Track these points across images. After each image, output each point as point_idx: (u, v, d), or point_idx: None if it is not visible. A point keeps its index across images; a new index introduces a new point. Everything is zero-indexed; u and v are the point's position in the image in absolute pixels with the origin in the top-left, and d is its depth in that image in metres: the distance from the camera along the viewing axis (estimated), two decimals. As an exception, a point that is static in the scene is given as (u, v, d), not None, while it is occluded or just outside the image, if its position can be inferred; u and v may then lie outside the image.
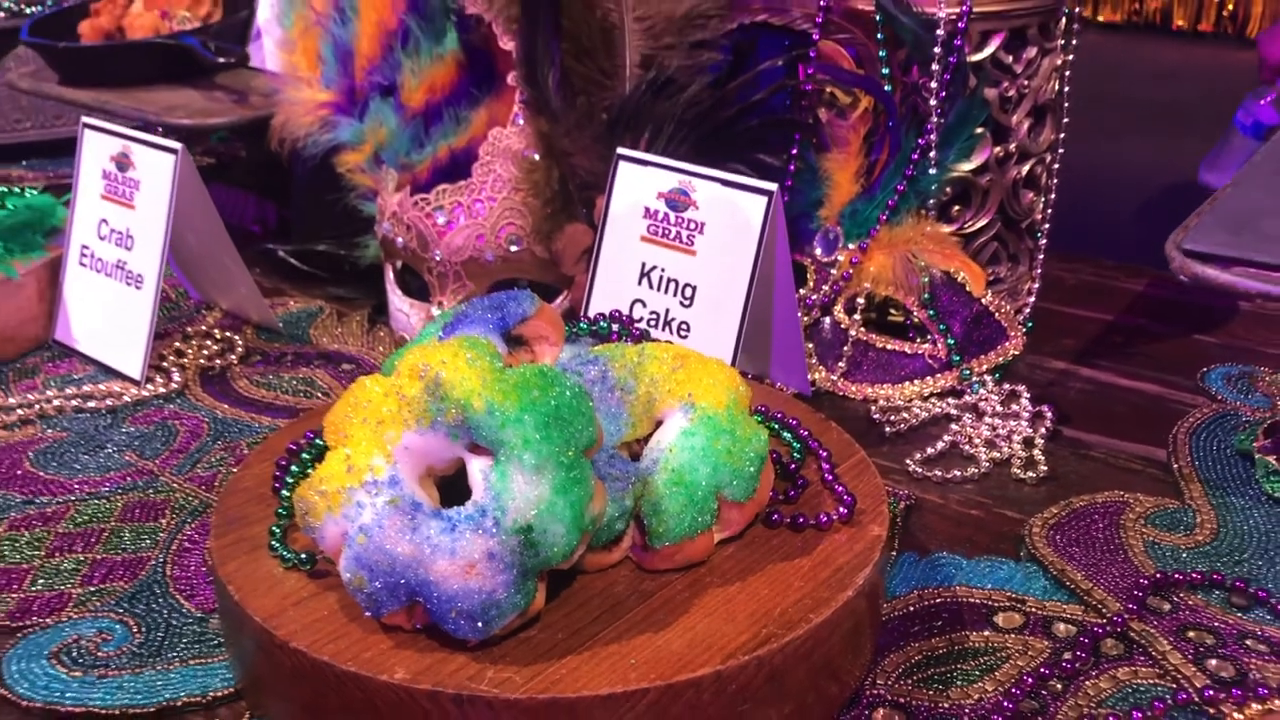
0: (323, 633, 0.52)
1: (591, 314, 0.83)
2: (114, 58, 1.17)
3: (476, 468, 0.52)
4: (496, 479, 0.51)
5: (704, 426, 0.58)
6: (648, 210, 0.84)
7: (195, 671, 0.60)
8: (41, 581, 0.68)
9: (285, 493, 0.62)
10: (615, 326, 0.71)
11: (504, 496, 0.50)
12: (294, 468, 0.64)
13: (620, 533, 0.56)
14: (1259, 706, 0.56)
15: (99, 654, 0.62)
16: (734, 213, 0.80)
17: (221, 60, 1.11)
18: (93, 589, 0.67)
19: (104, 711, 0.58)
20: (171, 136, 0.94)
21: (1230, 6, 6.53)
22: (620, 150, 0.85)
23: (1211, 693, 0.57)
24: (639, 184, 0.84)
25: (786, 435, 0.68)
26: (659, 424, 0.60)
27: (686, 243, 0.82)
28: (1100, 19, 6.79)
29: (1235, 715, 0.56)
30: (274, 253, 1.13)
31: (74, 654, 0.62)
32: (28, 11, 1.44)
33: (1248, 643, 0.61)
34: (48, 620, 0.65)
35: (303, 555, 0.57)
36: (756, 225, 0.78)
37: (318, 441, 0.66)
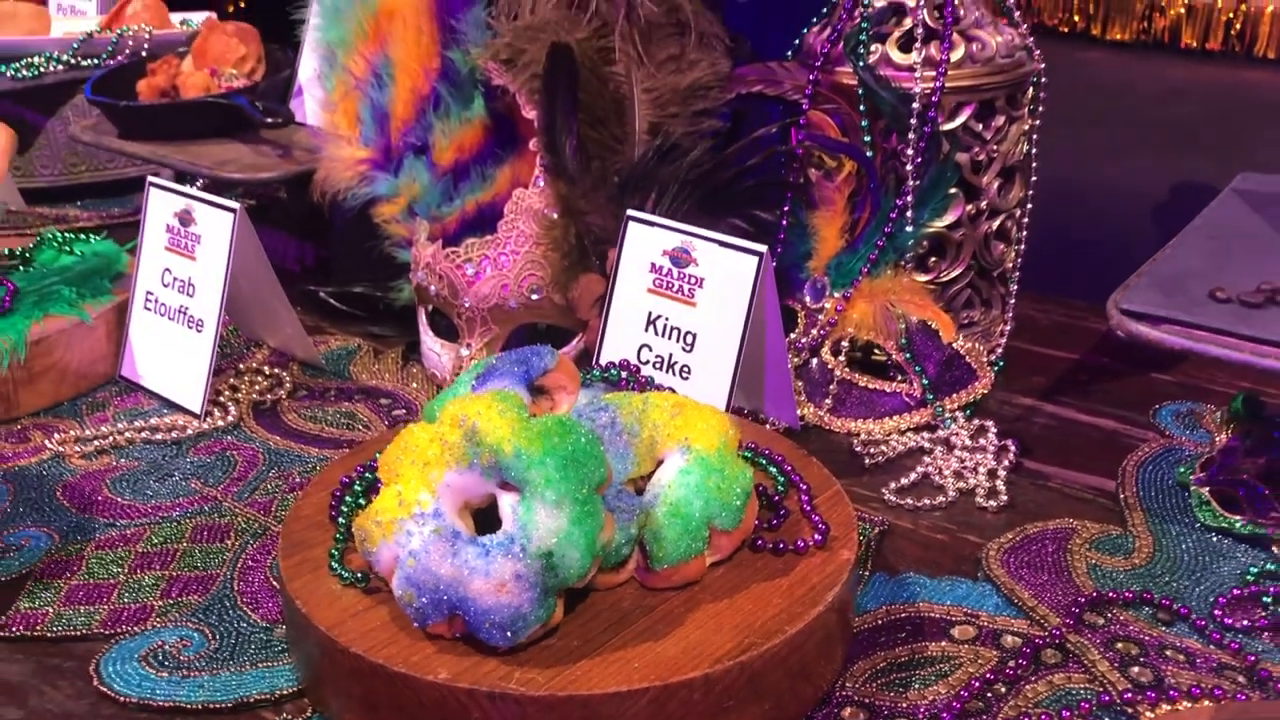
0: (377, 640, 0.63)
1: (603, 361, 0.94)
2: (170, 115, 1.28)
3: (506, 502, 0.63)
4: (523, 512, 0.61)
5: (698, 466, 0.68)
6: (654, 265, 0.94)
7: (264, 673, 0.71)
8: (128, 595, 0.79)
9: (341, 520, 0.72)
10: (624, 374, 0.82)
11: (529, 527, 0.61)
12: (347, 498, 0.74)
13: (626, 557, 0.66)
14: (1168, 707, 0.66)
15: (181, 657, 0.72)
16: (730, 269, 0.90)
17: (270, 121, 1.22)
18: (171, 601, 0.78)
19: (189, 706, 0.68)
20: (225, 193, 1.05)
21: (1238, 26, 6.62)
22: (630, 211, 0.96)
23: (1130, 695, 0.67)
24: (646, 242, 0.94)
25: (772, 469, 0.79)
26: (660, 463, 0.70)
27: (688, 295, 0.92)
28: (1109, 37, 6.88)
29: (1148, 715, 0.66)
30: (315, 294, 1.23)
31: (160, 657, 0.72)
32: (83, 64, 1.56)
33: (1167, 653, 0.71)
34: (135, 628, 0.75)
35: (358, 574, 0.67)
36: (749, 281, 0.89)
37: (367, 475, 0.76)
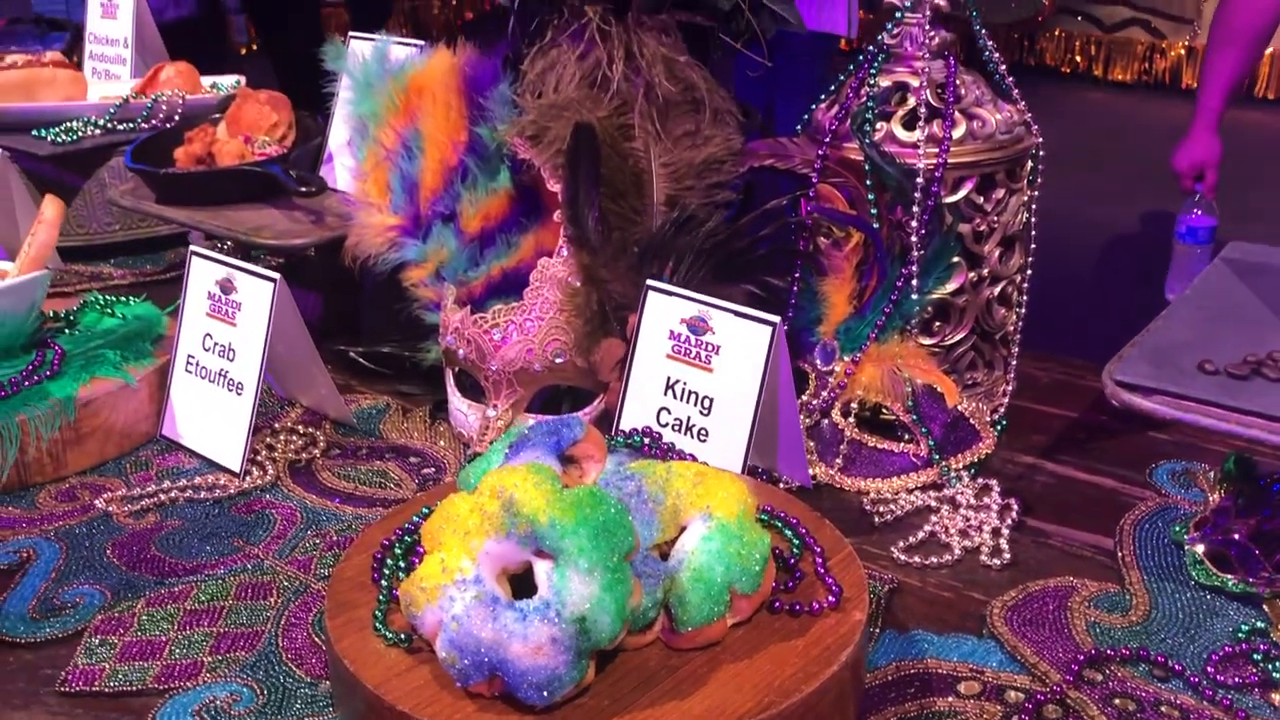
0: (422, 698, 0.67)
1: (625, 426, 0.99)
2: (207, 182, 1.34)
3: (541, 569, 0.67)
4: (558, 579, 0.66)
5: (719, 533, 0.73)
6: (672, 333, 0.99)
7: (311, 727, 0.75)
8: (179, 651, 0.83)
9: (383, 582, 0.77)
10: (646, 440, 0.87)
11: (564, 593, 0.65)
12: (388, 561, 0.79)
13: (653, 620, 0.71)
14: (1162, 761, 0.70)
15: (232, 712, 0.77)
16: (744, 338, 0.95)
17: (303, 189, 1.28)
18: (220, 657, 0.83)
19: (242, 759, 0.73)
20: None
21: (1239, 67, 6.43)
22: (650, 281, 1.01)
23: (1126, 749, 0.71)
24: (665, 311, 1.00)
25: (788, 533, 0.83)
26: (683, 529, 0.75)
27: (705, 361, 0.97)
28: (1111, 78, 7.05)
29: (1143, 767, 0.70)
30: (346, 353, 1.29)
31: (212, 712, 0.77)
32: (119, 128, 1.62)
33: (1163, 709, 0.76)
34: (188, 684, 0.80)
35: (401, 635, 0.72)
36: (763, 350, 0.94)
37: (405, 538, 0.81)
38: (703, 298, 0.98)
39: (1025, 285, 1.14)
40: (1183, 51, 8.43)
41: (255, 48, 6.40)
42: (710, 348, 0.97)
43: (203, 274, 1.12)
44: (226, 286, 1.10)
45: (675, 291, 0.99)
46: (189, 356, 1.13)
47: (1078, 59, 8.97)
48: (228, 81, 1.76)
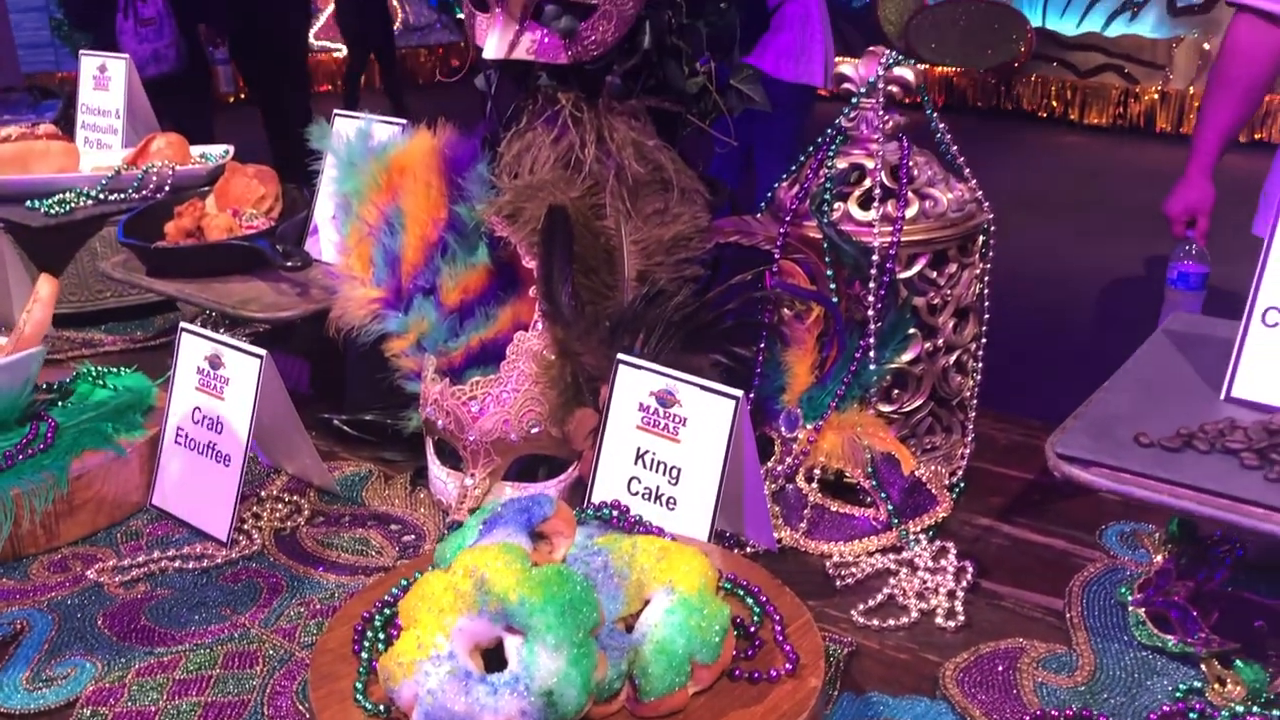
0: (399, 768, 0.71)
1: (595, 498, 1.03)
2: (197, 256, 1.39)
3: (512, 645, 0.72)
4: (527, 654, 0.70)
5: (681, 607, 0.77)
6: (642, 405, 1.04)
7: (294, 794, 0.79)
8: (168, 721, 0.87)
9: (363, 655, 0.81)
10: (614, 513, 0.91)
11: (532, 668, 0.70)
12: (368, 633, 0.83)
13: (618, 690, 0.75)
14: (1099, 819, 0.74)
15: (219, 780, 0.80)
16: (709, 411, 1.00)
17: (289, 264, 1.33)
18: (208, 726, 0.86)
19: (229, 827, 0.76)
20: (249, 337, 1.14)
21: (1210, 111, 6.52)
22: (621, 355, 1.06)
23: (1066, 808, 0.75)
24: (635, 384, 1.04)
25: (749, 601, 0.88)
26: (647, 603, 0.79)
27: (673, 433, 1.02)
28: (1086, 122, 7.20)
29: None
30: (330, 421, 1.33)
31: (200, 780, 0.81)
32: (111, 198, 1.67)
33: (1102, 766, 0.80)
34: (177, 753, 0.83)
35: (380, 706, 0.76)
36: (727, 422, 0.99)
37: (384, 611, 0.85)
38: (670, 372, 1.03)
39: (980, 353, 1.20)
40: (1156, 96, 8.61)
41: (244, 96, 6.49)
42: (678, 419, 1.02)
43: (192, 350, 1.16)
44: (215, 362, 1.14)
45: (644, 366, 1.04)
46: (178, 429, 1.17)
47: (1054, 103, 9.16)
48: (217, 151, 1.81)
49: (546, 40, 1.14)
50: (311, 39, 8.75)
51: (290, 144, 5.78)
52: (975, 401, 1.21)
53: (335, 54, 9.77)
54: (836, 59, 4.70)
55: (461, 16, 1.24)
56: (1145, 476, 0.85)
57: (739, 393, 0.98)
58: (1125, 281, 5.17)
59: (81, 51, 1.93)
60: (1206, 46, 7.98)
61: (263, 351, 1.11)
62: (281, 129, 5.83)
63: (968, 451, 1.21)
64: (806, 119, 4.35)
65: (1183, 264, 2.38)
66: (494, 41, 1.15)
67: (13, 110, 2.12)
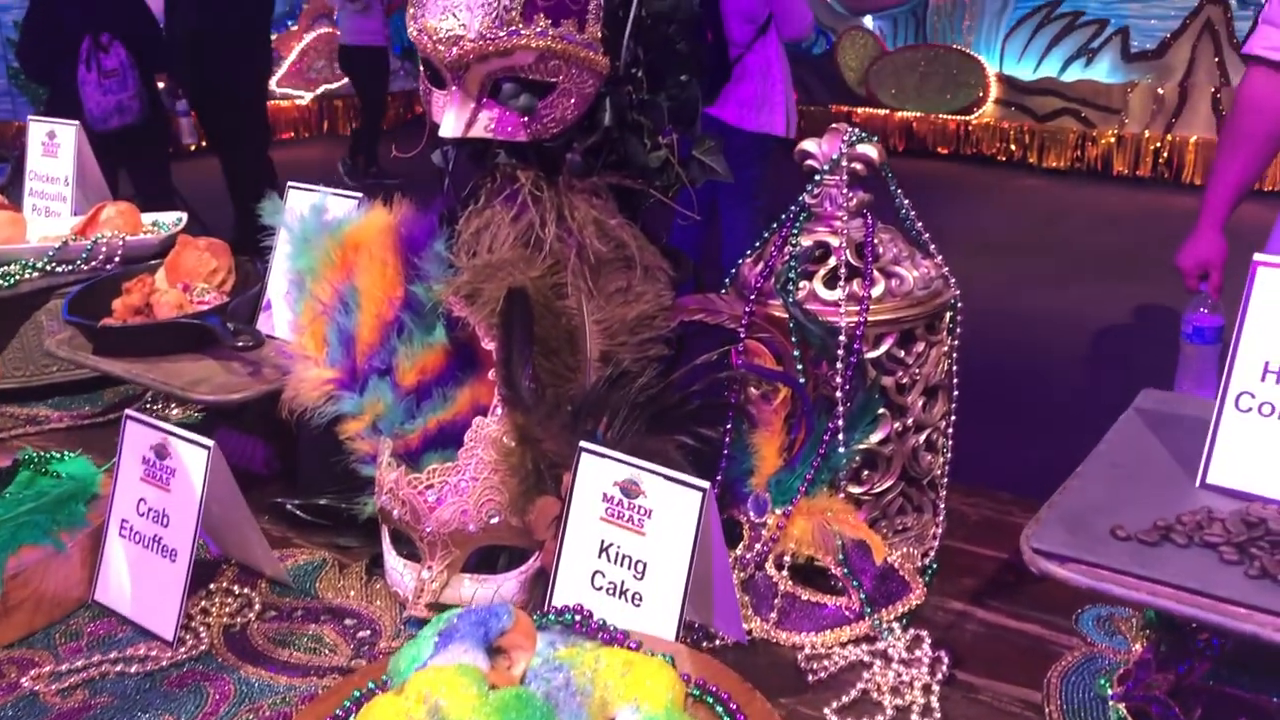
0: None
1: (560, 594, 1.00)
2: (145, 335, 1.34)
3: (468, 775, 0.68)
4: (484, 787, 0.66)
5: (646, 725, 0.74)
6: (605, 495, 1.01)
7: None
8: None
9: (312, 779, 0.77)
10: (578, 619, 0.88)
11: (490, 803, 0.66)
12: (318, 754, 0.79)
13: (581, 819, 0.71)
14: None
15: None
16: (675, 503, 0.97)
17: (240, 344, 1.29)
18: None
19: None
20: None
21: (1165, 154, 7.08)
22: (583, 444, 1.02)
23: None
24: (598, 473, 1.01)
25: (719, 709, 0.84)
26: (612, 720, 0.76)
27: (638, 525, 0.99)
28: (1045, 165, 7.30)
29: None
30: (282, 505, 1.28)
31: None
32: (58, 270, 1.62)
33: None
34: None
35: (329, 839, 0.72)
36: (694, 515, 0.95)
37: (336, 727, 0.81)
38: (635, 461, 0.99)
39: (950, 430, 1.17)
40: (1112, 140, 8.75)
41: (204, 145, 6.44)
42: (643, 511, 0.99)
43: (137, 438, 1.12)
44: (161, 451, 1.10)
45: (607, 454, 1.01)
46: (123, 521, 1.12)
47: (1013, 147, 9.28)
48: (169, 219, 1.77)
49: (505, 118, 1.12)
50: (274, 86, 8.72)
51: (250, 194, 5.76)
52: (946, 480, 1.19)
53: (297, 101, 9.75)
54: (799, 111, 4.75)
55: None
56: (1123, 573, 0.82)
57: (705, 484, 0.95)
58: (1089, 326, 5.20)
59: (30, 117, 1.88)
60: (1160, 91, 8.14)
61: (210, 442, 1.06)
62: (240, 179, 5.79)
63: (939, 531, 1.18)
64: (769, 168, 4.37)
65: (1197, 317, 2.32)
66: (451, 119, 1.12)
67: (-41, 176, 2.07)
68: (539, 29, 1.08)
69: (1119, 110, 8.35)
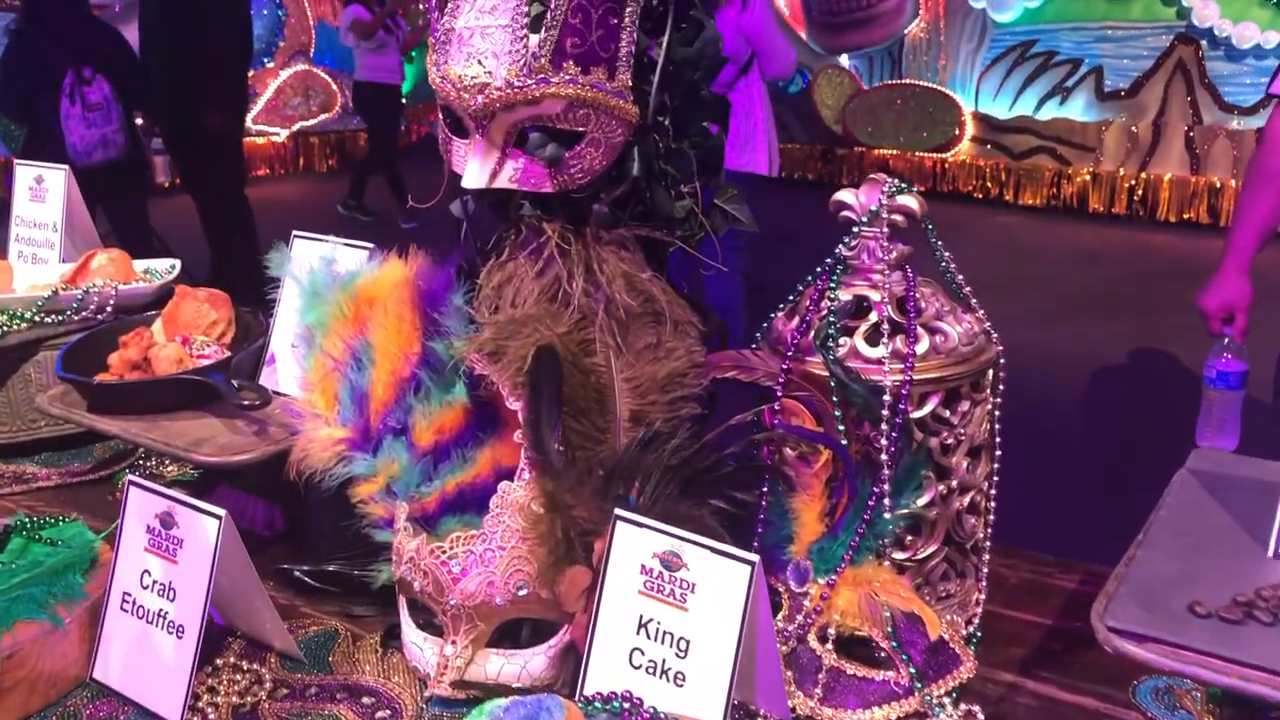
0: None
1: (593, 678, 0.94)
2: (144, 392, 1.28)
3: None
4: None
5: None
6: (644, 568, 0.95)
7: None
8: None
9: None
10: (626, 707, 0.82)
11: None
12: None
13: None
14: None
15: None
16: (721, 576, 0.91)
17: (245, 403, 1.23)
18: None
19: None
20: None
21: (1140, 192, 7.13)
22: (619, 512, 0.97)
23: None
24: (636, 543, 0.96)
25: (779, 803, 0.79)
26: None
27: (680, 600, 0.93)
28: (1021, 203, 7.34)
29: None
30: (289, 572, 1.22)
31: None
32: (48, 320, 1.56)
33: None
34: None
35: None
36: (742, 590, 0.90)
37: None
38: (676, 532, 0.94)
39: (993, 492, 1.13)
40: (1088, 177, 8.83)
41: (177, 182, 6.37)
42: (685, 585, 0.93)
43: (141, 506, 1.05)
44: (167, 520, 1.04)
45: (646, 523, 0.96)
46: (125, 594, 1.06)
47: (989, 184, 9.35)
48: (162, 266, 1.71)
49: (530, 168, 1.07)
50: (249, 123, 8.65)
51: (225, 232, 5.68)
52: (989, 544, 1.14)
53: (272, 138, 9.68)
54: (781, 147, 4.74)
55: (403, 100, 1.17)
56: (1210, 655, 0.78)
57: (754, 557, 0.90)
58: (1077, 365, 5.20)
59: (16, 161, 1.82)
60: (1134, 129, 8.22)
61: (222, 511, 1.00)
62: (216, 217, 5.71)
63: (982, 597, 1.13)
64: (753, 206, 4.34)
65: (1221, 362, 2.26)
66: (474, 170, 1.08)
67: (-60, 221, 2.00)
68: (568, 77, 1.04)
69: (1094, 148, 8.43)
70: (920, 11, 9.14)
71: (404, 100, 10.06)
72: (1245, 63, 7.88)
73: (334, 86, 9.79)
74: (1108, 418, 4.40)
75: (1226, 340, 2.29)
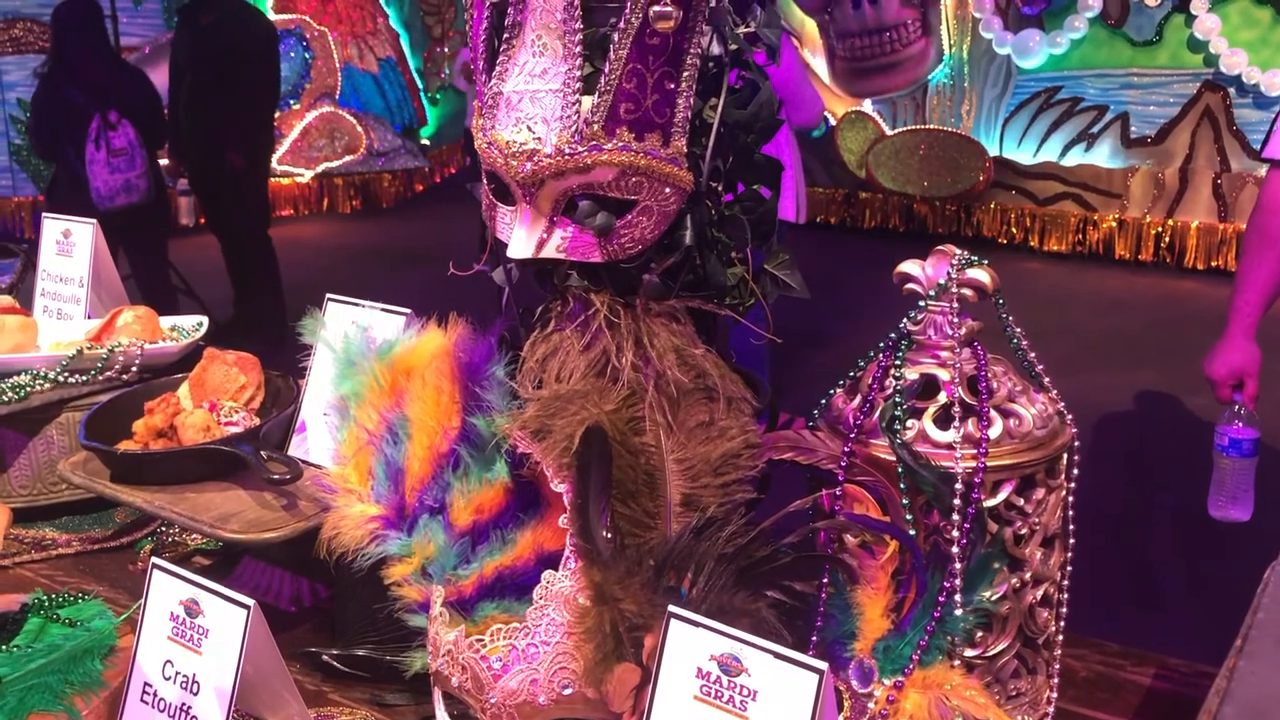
0: None
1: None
2: (169, 463, 1.23)
3: None
4: None
5: None
6: (700, 671, 0.89)
7: None
8: None
9: None
10: (689, 833, 0.75)
11: None
12: None
13: None
14: None
15: None
16: (786, 685, 0.84)
17: (275, 477, 1.17)
18: None
19: None
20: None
21: (1167, 239, 7.05)
22: (672, 609, 0.91)
23: None
24: (692, 645, 0.89)
25: None
26: None
27: (740, 708, 0.87)
28: (1046, 249, 7.27)
29: None
30: (317, 655, 1.16)
31: None
32: (71, 380, 1.51)
33: None
34: None
35: None
36: (808, 701, 0.83)
37: None
38: (735, 633, 0.87)
39: (1066, 584, 1.06)
40: (1114, 224, 8.75)
41: (201, 222, 6.39)
42: (745, 692, 0.86)
43: (165, 591, 1.00)
44: (192, 609, 0.98)
45: (703, 623, 0.89)
46: (145, 685, 1.00)
47: (1014, 230, 9.27)
48: (189, 324, 1.67)
49: (579, 238, 1.02)
50: (274, 164, 8.69)
51: (249, 273, 5.68)
52: (1061, 638, 1.07)
53: (297, 179, 9.72)
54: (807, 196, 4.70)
55: (426, 142, 1.12)
56: (1333, 790, 0.71)
57: (823, 665, 0.83)
58: (1105, 417, 5.10)
59: (45, 216, 1.79)
60: (1161, 176, 8.16)
61: (250, 602, 0.94)
62: (240, 258, 5.71)
63: (1054, 695, 1.06)
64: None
65: (1233, 430, 2.19)
66: (520, 239, 1.02)
67: (-35, 273, 1.97)
68: (621, 143, 0.99)
69: (1120, 194, 8.37)
70: (944, 57, 9.14)
71: (426, 143, 10.14)
72: (1274, 110, 7.82)
73: (359, 129, 9.84)
74: (1137, 475, 4.30)
75: (1237, 407, 2.23)
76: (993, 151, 8.94)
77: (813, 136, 9.32)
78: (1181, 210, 8.09)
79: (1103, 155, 8.54)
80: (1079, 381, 5.66)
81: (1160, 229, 8.24)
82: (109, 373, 1.51)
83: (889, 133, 9.41)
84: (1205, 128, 8.10)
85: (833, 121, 9.43)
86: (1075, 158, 8.64)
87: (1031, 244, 8.92)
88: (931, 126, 9.28)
